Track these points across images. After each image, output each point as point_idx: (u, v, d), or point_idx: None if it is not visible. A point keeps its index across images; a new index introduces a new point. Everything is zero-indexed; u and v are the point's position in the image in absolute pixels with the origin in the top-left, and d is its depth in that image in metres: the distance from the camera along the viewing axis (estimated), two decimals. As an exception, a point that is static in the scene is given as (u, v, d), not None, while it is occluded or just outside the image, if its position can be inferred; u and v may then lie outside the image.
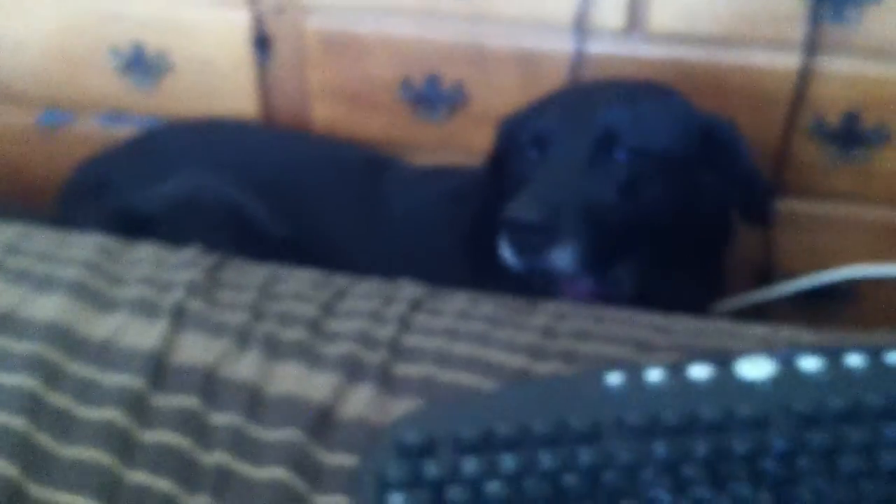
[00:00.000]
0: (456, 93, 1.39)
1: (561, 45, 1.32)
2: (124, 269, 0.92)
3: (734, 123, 1.14)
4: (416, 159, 1.42)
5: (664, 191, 1.08)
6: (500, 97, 1.37)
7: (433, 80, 1.39)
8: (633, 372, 0.72)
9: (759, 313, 1.35)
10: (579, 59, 1.30)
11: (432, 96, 1.40)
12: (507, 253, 1.01)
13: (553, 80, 1.32)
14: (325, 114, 1.46)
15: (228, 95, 1.48)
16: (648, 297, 1.09)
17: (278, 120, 1.50)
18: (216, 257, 0.96)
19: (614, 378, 0.72)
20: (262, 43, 1.44)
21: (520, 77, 1.36)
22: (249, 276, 0.92)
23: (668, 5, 1.26)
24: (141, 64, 1.49)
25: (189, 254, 0.96)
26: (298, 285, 0.91)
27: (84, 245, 0.96)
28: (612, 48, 1.31)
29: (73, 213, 1.32)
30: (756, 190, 1.15)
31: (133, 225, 1.14)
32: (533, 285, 1.07)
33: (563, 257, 0.99)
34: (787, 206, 1.31)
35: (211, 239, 1.06)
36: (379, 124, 1.45)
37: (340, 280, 0.93)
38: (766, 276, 1.37)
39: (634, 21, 1.29)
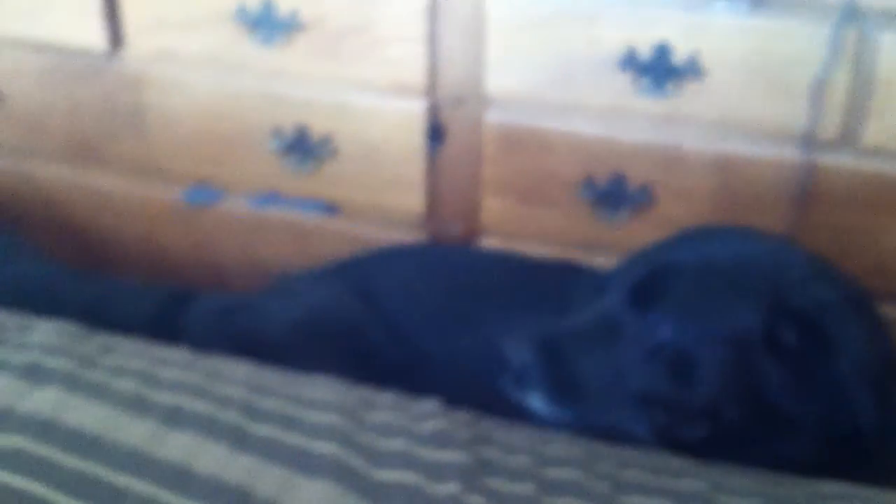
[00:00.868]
0: (642, 194, 1.32)
1: (763, 152, 1.26)
2: (377, 441, 0.87)
3: (842, 312, 0.90)
4: (593, 261, 1.36)
5: (710, 380, 0.89)
6: (690, 201, 1.31)
7: (619, 180, 1.33)
8: None
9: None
10: (806, 169, 1.23)
11: (616, 196, 1.34)
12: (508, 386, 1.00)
13: (753, 186, 1.27)
14: (495, 208, 1.41)
15: (394, 184, 1.43)
16: None
17: (443, 213, 1.45)
18: (468, 426, 0.90)
19: None
20: (436, 133, 1.38)
21: (714, 182, 1.29)
22: (516, 456, 0.87)
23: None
24: (304, 147, 1.44)
25: (438, 421, 0.90)
26: (571, 472, 0.85)
27: (327, 406, 0.90)
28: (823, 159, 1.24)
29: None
30: (855, 417, 0.86)
31: (259, 349, 1.09)
32: None
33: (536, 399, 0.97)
34: None
35: (330, 365, 1.03)
36: (555, 222, 1.39)
37: (610, 462, 0.87)
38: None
39: (847, 134, 1.22)
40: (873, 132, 1.21)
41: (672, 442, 0.93)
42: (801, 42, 1.18)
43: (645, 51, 1.23)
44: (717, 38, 1.21)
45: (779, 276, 0.92)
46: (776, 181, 1.27)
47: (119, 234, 1.62)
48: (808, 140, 1.22)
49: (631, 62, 1.25)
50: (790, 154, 1.25)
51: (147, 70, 1.47)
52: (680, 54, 1.22)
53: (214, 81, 1.45)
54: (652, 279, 0.95)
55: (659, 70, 1.24)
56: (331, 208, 1.48)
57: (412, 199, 1.43)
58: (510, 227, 1.41)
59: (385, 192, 1.44)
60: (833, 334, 0.86)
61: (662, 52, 1.23)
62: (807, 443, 0.89)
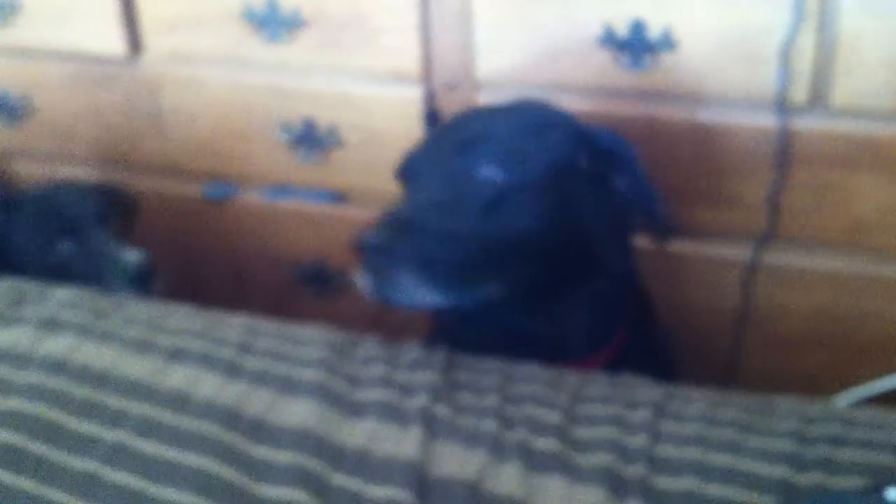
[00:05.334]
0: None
1: (739, 119, 1.32)
2: (360, 370, 0.94)
3: (622, 137, 1.11)
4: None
5: (539, 209, 1.01)
6: (673, 170, 1.37)
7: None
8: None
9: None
10: (781, 134, 1.30)
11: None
12: (360, 281, 0.96)
13: (732, 153, 1.33)
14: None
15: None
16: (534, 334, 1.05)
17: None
18: (445, 356, 0.97)
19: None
20: (433, 119, 1.46)
21: (695, 150, 1.36)
22: (484, 377, 0.93)
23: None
24: (311, 138, 1.52)
25: (417, 352, 0.98)
26: (534, 387, 0.92)
27: (315, 343, 0.98)
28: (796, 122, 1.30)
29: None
30: (650, 201, 1.11)
31: None
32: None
33: (407, 281, 0.94)
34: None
35: None
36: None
37: (573, 380, 0.94)
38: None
39: (817, 97, 1.28)
40: (841, 93, 1.26)
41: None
42: (768, 8, 1.24)
43: (622, 28, 1.31)
44: (688, 10, 1.28)
45: (565, 120, 1.11)
46: (753, 147, 1.33)
47: (145, 231, 1.71)
48: (781, 105, 1.28)
49: (610, 39, 1.32)
50: (765, 120, 1.31)
51: (163, 72, 1.57)
52: (654, 29, 1.29)
53: (226, 79, 1.55)
54: (473, 137, 1.04)
55: (636, 45, 1.31)
56: (338, 197, 1.57)
57: (413, 183, 1.51)
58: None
59: (388, 177, 1.52)
60: (620, 154, 1.09)
61: (638, 28, 1.30)
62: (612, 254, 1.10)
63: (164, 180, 1.67)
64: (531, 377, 0.93)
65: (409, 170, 1.11)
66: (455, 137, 1.07)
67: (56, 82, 1.64)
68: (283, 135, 1.54)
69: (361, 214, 1.56)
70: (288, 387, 0.91)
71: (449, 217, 0.97)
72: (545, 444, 0.83)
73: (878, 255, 1.34)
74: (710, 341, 1.46)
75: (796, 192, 1.33)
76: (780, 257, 1.38)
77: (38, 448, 0.84)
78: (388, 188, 1.50)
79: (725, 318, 1.44)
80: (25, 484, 0.81)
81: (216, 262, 1.70)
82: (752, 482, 0.79)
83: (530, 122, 1.09)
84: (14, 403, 0.89)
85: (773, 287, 1.40)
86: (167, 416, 0.88)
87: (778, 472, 0.80)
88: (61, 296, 1.09)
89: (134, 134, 1.65)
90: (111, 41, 1.56)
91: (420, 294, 0.95)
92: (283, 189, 1.60)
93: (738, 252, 1.40)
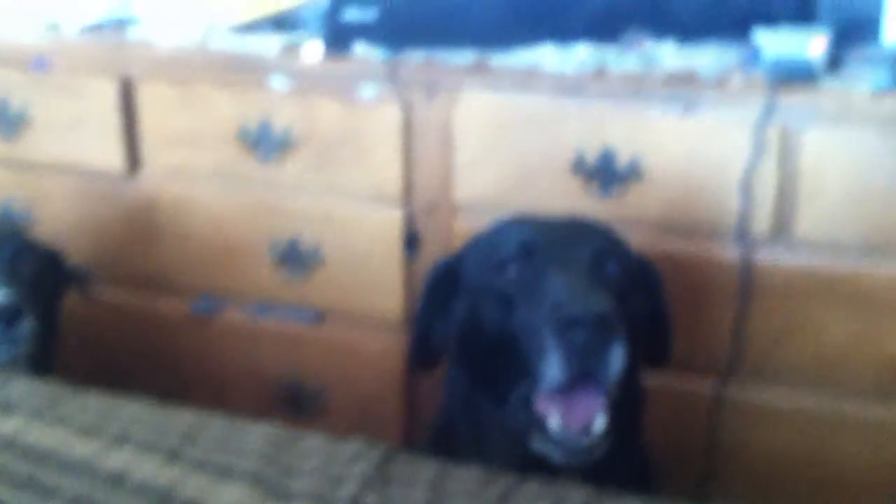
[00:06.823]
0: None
1: (702, 248, 1.36)
2: (297, 461, 0.95)
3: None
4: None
5: (636, 303, 1.10)
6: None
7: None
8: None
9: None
10: (744, 264, 1.33)
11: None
12: (552, 362, 0.97)
13: (697, 282, 1.35)
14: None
15: (376, 290, 1.54)
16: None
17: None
18: (384, 450, 0.98)
19: None
20: (412, 241, 1.50)
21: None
22: (418, 470, 0.94)
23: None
24: (296, 256, 1.57)
25: (357, 446, 0.99)
26: (467, 484, 0.92)
27: (259, 435, 0.99)
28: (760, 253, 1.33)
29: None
30: (667, 325, 1.18)
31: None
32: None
33: (617, 358, 0.97)
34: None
35: None
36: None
37: (507, 480, 0.94)
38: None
39: (779, 228, 1.31)
40: (804, 224, 1.30)
41: None
42: (731, 140, 1.29)
43: (593, 155, 1.36)
44: (655, 141, 1.33)
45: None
46: (718, 277, 1.35)
47: (130, 346, 1.75)
48: (742, 235, 1.31)
49: (581, 167, 1.37)
50: (729, 251, 1.34)
51: (160, 188, 1.64)
52: (623, 158, 1.34)
53: (219, 196, 1.61)
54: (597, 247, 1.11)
55: (605, 174, 1.36)
56: (317, 316, 1.60)
57: (391, 304, 1.54)
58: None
59: (367, 297, 1.56)
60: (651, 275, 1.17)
61: (607, 157, 1.35)
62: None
63: (154, 295, 1.71)
64: (466, 476, 0.94)
65: (526, 251, 1.10)
66: (576, 236, 1.12)
67: (58, 195, 1.71)
68: (271, 251, 1.59)
69: (338, 334, 1.59)
70: (224, 473, 0.92)
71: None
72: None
73: (842, 391, 1.34)
74: (680, 474, 1.44)
75: (760, 324, 1.35)
76: (745, 392, 1.39)
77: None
78: (366, 307, 1.54)
79: (694, 453, 1.43)
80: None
81: (200, 382, 1.71)
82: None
83: (616, 239, 1.16)
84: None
85: (738, 423, 1.40)
86: (99, 495, 0.89)
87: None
88: (19, 384, 1.12)
89: (129, 247, 1.70)
90: (112, 156, 1.63)
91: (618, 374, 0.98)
92: (266, 307, 1.63)
93: (703, 385, 1.40)
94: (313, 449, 0.98)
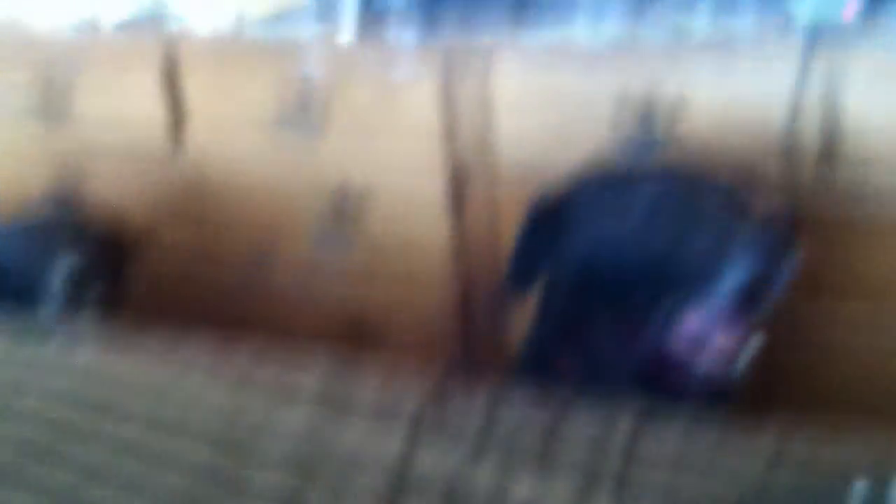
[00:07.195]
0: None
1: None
2: (358, 381, 1.00)
3: None
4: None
5: None
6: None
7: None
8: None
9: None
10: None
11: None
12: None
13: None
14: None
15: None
16: None
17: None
18: (443, 368, 1.04)
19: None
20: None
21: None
22: (475, 389, 0.99)
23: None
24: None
25: (416, 366, 1.04)
26: (523, 400, 0.97)
27: (319, 360, 1.05)
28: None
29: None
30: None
31: None
32: None
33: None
34: None
35: None
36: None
37: (559, 398, 0.99)
38: None
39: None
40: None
41: None
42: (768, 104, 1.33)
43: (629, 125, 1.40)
44: (693, 101, 1.36)
45: None
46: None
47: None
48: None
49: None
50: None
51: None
52: (660, 121, 1.38)
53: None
54: None
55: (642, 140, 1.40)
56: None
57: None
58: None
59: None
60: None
61: (646, 118, 1.39)
62: None
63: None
64: (521, 394, 0.99)
65: None
66: None
67: (111, 176, 1.77)
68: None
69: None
70: (289, 396, 0.98)
71: None
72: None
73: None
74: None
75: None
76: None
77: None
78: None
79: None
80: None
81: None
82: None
83: None
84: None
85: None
86: (171, 418, 0.95)
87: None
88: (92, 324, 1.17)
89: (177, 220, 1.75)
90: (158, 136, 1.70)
91: None
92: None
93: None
94: (374, 370, 1.03)
